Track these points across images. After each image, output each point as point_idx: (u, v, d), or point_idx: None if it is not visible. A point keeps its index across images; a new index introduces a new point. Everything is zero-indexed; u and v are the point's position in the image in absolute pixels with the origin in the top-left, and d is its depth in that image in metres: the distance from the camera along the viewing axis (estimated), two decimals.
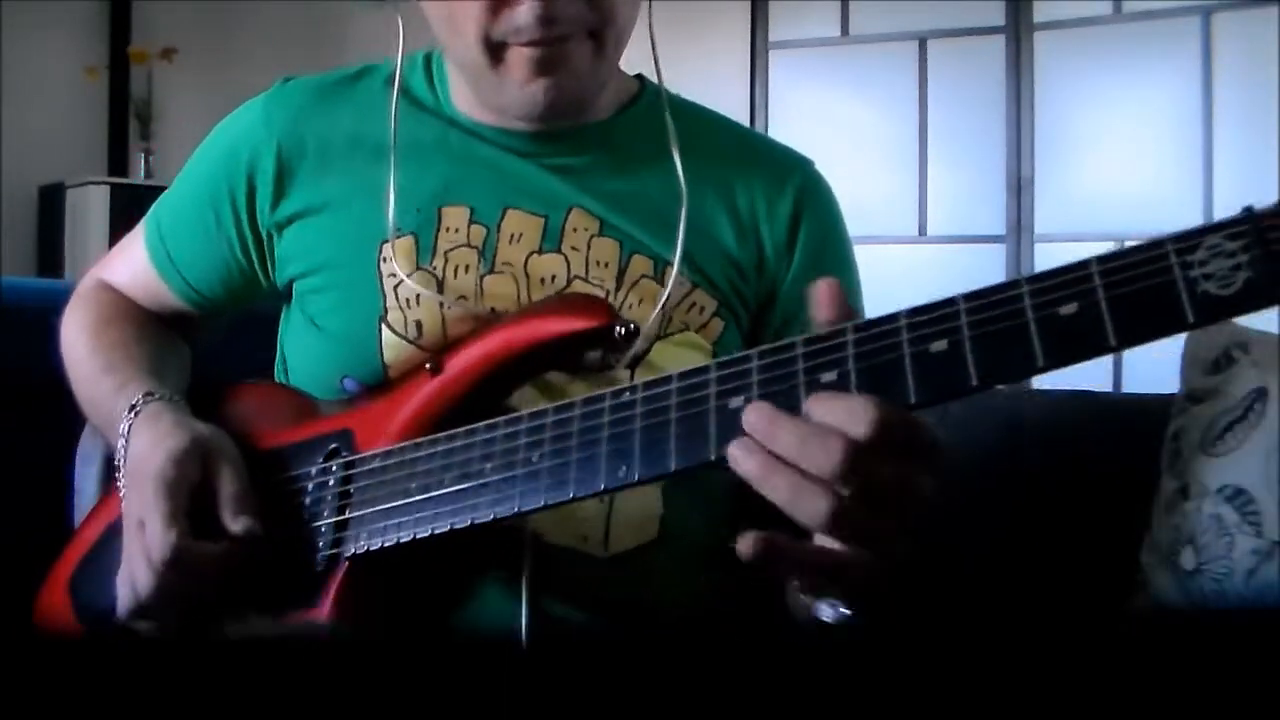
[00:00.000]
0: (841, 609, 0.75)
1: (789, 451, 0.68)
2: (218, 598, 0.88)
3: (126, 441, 0.95)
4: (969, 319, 0.68)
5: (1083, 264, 0.66)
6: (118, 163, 4.56)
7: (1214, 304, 0.62)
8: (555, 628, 0.90)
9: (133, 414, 0.96)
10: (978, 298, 0.68)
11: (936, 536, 0.71)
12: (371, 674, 0.46)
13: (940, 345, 0.68)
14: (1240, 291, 0.61)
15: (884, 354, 0.70)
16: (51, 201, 4.38)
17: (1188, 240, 0.63)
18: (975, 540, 1.40)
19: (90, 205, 4.21)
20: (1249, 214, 0.62)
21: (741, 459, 0.70)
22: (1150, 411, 1.38)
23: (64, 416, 1.08)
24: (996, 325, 0.67)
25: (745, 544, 0.69)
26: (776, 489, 0.68)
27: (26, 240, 4.43)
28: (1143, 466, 1.36)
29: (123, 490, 0.94)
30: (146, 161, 4.53)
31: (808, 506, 0.68)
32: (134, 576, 0.89)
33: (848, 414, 0.67)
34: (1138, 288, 0.64)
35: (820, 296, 0.73)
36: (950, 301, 0.69)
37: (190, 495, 0.89)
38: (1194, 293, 0.62)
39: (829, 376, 0.71)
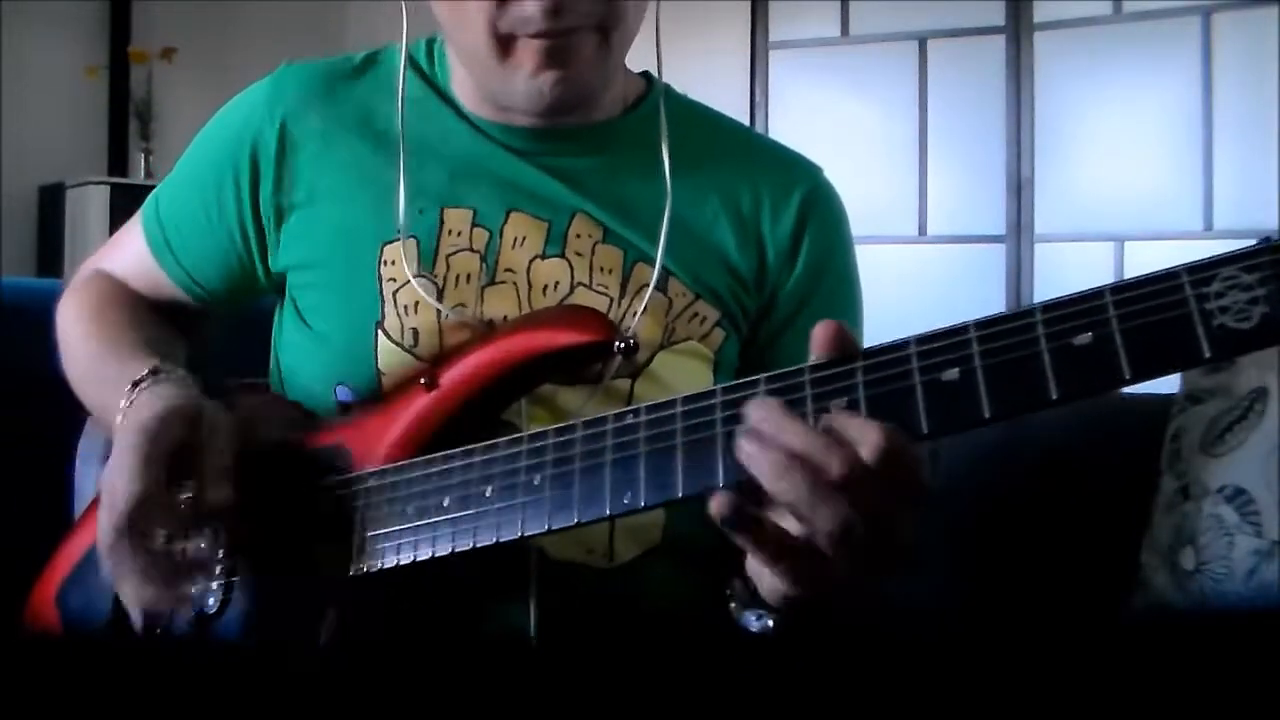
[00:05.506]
0: (766, 620, 0.75)
1: (800, 447, 0.68)
2: (182, 569, 0.86)
3: (123, 417, 0.90)
4: (980, 348, 0.66)
5: (1096, 292, 0.64)
6: (118, 163, 4.56)
7: (1230, 338, 0.60)
8: (565, 643, 0.90)
9: (136, 391, 0.91)
10: (989, 325, 0.67)
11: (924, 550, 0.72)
12: (379, 688, 0.46)
13: (952, 374, 0.67)
14: (1258, 326, 0.60)
15: (894, 382, 0.68)
16: (51, 201, 4.38)
17: (1203, 271, 0.62)
18: (975, 540, 1.40)
19: (90, 205, 4.22)
20: (1266, 244, 0.61)
21: (754, 455, 0.69)
22: (1150, 411, 1.38)
23: (64, 416, 1.08)
24: (1009, 355, 0.65)
25: (716, 503, 0.69)
26: (789, 487, 0.68)
27: (26, 240, 4.43)
28: (1143, 466, 1.36)
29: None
30: (146, 161, 4.53)
31: (822, 508, 0.67)
32: (99, 536, 0.85)
33: (859, 433, 0.67)
34: (1152, 320, 0.62)
35: (818, 341, 0.72)
36: (962, 329, 0.68)
37: (173, 455, 0.85)
38: (1210, 326, 0.61)
39: (837, 404, 0.70)
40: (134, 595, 0.86)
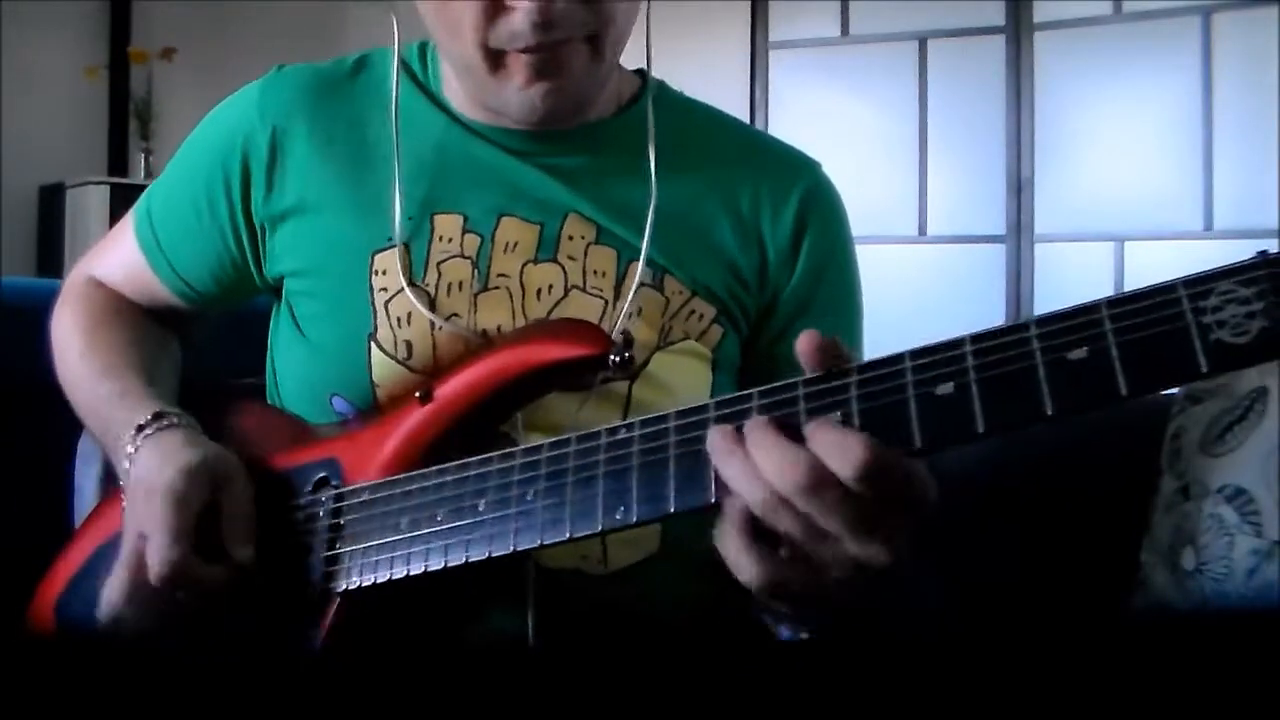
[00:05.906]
0: (800, 631, 0.75)
1: (765, 466, 0.68)
2: (202, 620, 0.87)
3: (132, 460, 0.92)
4: (975, 362, 0.66)
5: (1092, 306, 0.64)
6: (118, 163, 4.56)
7: (1228, 353, 0.60)
8: (564, 649, 0.90)
9: (141, 436, 0.93)
10: (984, 340, 0.67)
11: (923, 552, 0.71)
12: (376, 701, 0.46)
13: (946, 388, 0.66)
14: (1255, 340, 0.59)
15: (888, 396, 0.68)
16: (51, 201, 4.38)
17: (1200, 285, 0.61)
18: (975, 540, 1.40)
19: (90, 205, 4.21)
20: (1263, 258, 0.60)
21: (724, 464, 0.70)
22: (1150, 411, 1.38)
23: (64, 416, 1.08)
24: (1004, 369, 0.65)
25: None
26: (750, 495, 0.69)
27: (26, 240, 4.43)
28: (1143, 466, 1.36)
29: (126, 506, 0.92)
30: (146, 161, 4.53)
31: (784, 518, 0.68)
32: (121, 584, 0.88)
33: (838, 449, 0.67)
34: (1149, 334, 0.62)
35: (802, 350, 0.71)
36: (957, 343, 0.67)
37: (197, 513, 0.87)
38: (1207, 340, 0.60)
39: (831, 418, 0.69)
40: (152, 629, 0.88)
